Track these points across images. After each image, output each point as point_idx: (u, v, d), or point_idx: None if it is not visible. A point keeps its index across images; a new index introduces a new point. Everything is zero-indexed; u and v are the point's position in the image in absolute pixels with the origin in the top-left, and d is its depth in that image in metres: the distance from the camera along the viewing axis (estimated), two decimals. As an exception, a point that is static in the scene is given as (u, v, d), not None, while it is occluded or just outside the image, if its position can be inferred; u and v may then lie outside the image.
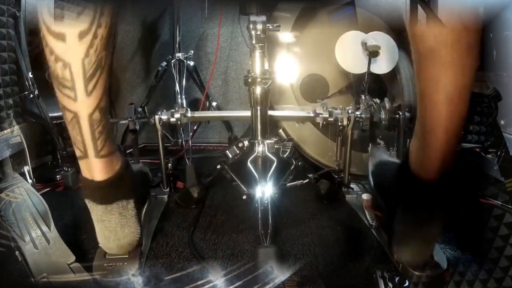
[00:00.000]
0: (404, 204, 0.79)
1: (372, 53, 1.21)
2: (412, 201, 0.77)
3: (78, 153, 0.74)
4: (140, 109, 1.61)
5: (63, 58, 0.65)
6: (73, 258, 0.82)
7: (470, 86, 0.66)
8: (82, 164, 0.75)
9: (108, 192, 0.76)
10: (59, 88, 0.68)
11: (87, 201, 0.77)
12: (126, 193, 0.79)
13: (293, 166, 1.20)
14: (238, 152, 1.16)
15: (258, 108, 1.07)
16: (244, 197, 1.10)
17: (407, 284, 0.81)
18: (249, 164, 1.04)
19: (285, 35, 1.42)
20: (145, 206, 0.99)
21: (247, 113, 1.12)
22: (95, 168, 0.74)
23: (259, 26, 1.01)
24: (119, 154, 0.79)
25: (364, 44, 1.23)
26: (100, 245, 0.82)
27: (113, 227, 0.78)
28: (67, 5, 0.62)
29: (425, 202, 0.75)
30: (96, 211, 0.77)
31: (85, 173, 0.75)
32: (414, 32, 0.66)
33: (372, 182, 1.04)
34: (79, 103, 0.68)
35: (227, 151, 1.18)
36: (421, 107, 0.71)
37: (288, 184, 1.24)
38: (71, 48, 0.64)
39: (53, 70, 0.67)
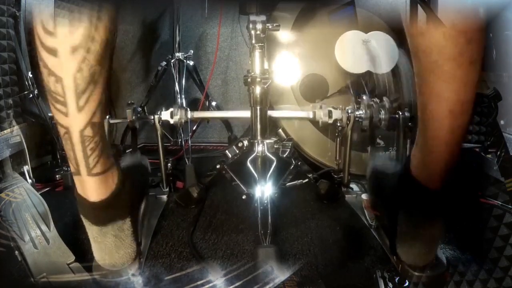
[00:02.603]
0: (408, 211, 0.78)
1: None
2: (416, 208, 0.76)
3: (72, 169, 0.72)
4: (140, 109, 1.61)
5: (55, 72, 0.64)
6: (72, 258, 0.81)
7: (472, 99, 0.65)
8: (76, 180, 0.73)
9: (102, 213, 0.73)
10: (52, 103, 0.67)
11: (82, 217, 0.75)
12: (122, 213, 0.76)
13: (292, 166, 1.20)
14: (237, 152, 1.16)
15: (258, 108, 1.07)
16: (244, 197, 1.10)
17: (407, 284, 0.81)
18: (248, 164, 1.04)
19: (285, 35, 1.42)
20: (143, 203, 0.97)
21: (247, 113, 1.12)
22: (88, 187, 0.71)
23: (259, 26, 1.01)
24: (115, 170, 0.76)
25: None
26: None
27: (108, 249, 0.76)
28: (60, 19, 0.61)
29: (430, 209, 0.75)
30: (91, 230, 0.75)
31: (79, 190, 0.73)
32: (418, 46, 0.65)
33: (369, 185, 1.05)
34: (71, 118, 0.67)
35: (227, 151, 1.18)
36: (423, 120, 0.71)
37: (288, 184, 1.24)
38: (63, 63, 0.63)
39: (46, 83, 0.66)
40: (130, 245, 0.79)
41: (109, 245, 0.76)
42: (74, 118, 0.67)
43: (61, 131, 0.69)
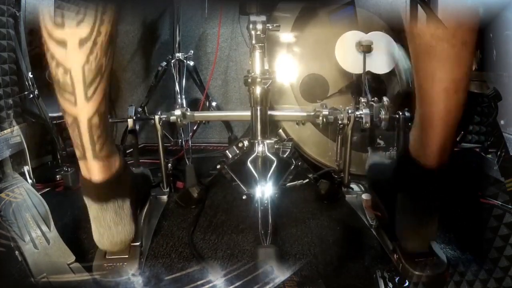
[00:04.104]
0: (406, 190, 0.80)
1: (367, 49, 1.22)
2: (414, 186, 0.78)
3: (77, 154, 0.76)
4: (140, 109, 1.61)
5: (63, 64, 0.67)
6: (73, 258, 0.82)
7: (466, 78, 0.67)
8: (81, 164, 0.77)
9: (104, 191, 0.77)
10: (60, 92, 0.70)
11: (85, 198, 0.79)
12: (122, 193, 0.80)
13: (293, 166, 1.20)
14: (238, 152, 1.16)
15: (258, 108, 1.07)
16: (244, 197, 1.10)
17: (407, 284, 0.81)
18: (249, 164, 1.04)
19: (285, 35, 1.42)
20: (145, 208, 0.99)
21: (247, 113, 1.12)
22: (92, 169, 0.75)
23: (259, 26, 1.01)
24: (118, 155, 0.80)
25: (358, 43, 1.24)
26: (94, 241, 0.82)
27: (108, 224, 0.79)
28: (68, 12, 0.63)
29: (428, 186, 0.76)
30: (92, 208, 0.79)
31: (84, 172, 0.77)
32: (412, 28, 0.68)
33: (368, 181, 1.05)
34: (79, 108, 0.70)
35: (227, 151, 1.18)
36: (419, 100, 0.73)
37: (288, 184, 1.24)
38: (72, 55, 0.66)
39: (54, 74, 0.69)
40: (128, 224, 0.82)
41: (109, 221, 0.79)
42: (83, 107, 0.70)
43: (69, 119, 0.72)
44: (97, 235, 0.81)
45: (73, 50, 0.66)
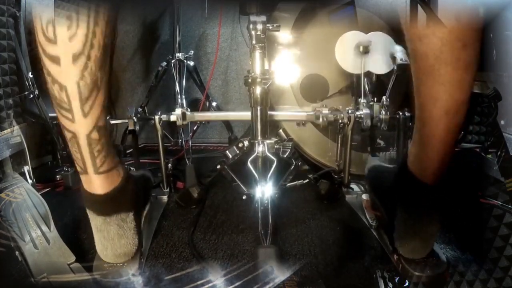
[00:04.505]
0: (405, 205, 0.80)
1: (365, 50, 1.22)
2: (413, 202, 0.79)
3: (78, 169, 0.75)
4: (140, 109, 1.61)
5: (58, 80, 0.66)
6: (73, 258, 0.82)
7: (467, 100, 0.68)
8: (82, 178, 0.76)
9: (107, 205, 0.76)
10: (57, 109, 0.70)
11: (87, 210, 0.78)
12: (125, 206, 0.79)
13: (293, 166, 1.20)
14: (238, 152, 1.16)
15: (258, 108, 1.07)
16: (244, 197, 1.10)
17: (407, 284, 0.81)
18: (249, 164, 1.04)
19: (285, 35, 1.42)
20: (146, 210, 0.98)
21: (247, 113, 1.12)
22: (94, 183, 0.74)
23: (259, 26, 1.01)
24: (120, 168, 0.79)
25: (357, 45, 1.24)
26: (97, 252, 0.82)
27: (111, 237, 0.79)
28: (59, 27, 0.62)
29: (426, 203, 0.77)
30: (95, 221, 0.78)
31: (85, 186, 0.76)
32: (416, 51, 0.68)
33: (367, 185, 1.06)
34: (77, 124, 0.69)
35: (227, 151, 1.18)
36: (420, 119, 0.73)
37: (288, 184, 1.24)
38: (66, 71, 0.65)
39: (51, 91, 0.68)
40: (132, 237, 0.82)
41: (112, 234, 0.78)
42: (80, 123, 0.69)
43: (68, 135, 0.71)
44: (100, 247, 0.80)
45: (67, 67, 0.65)
